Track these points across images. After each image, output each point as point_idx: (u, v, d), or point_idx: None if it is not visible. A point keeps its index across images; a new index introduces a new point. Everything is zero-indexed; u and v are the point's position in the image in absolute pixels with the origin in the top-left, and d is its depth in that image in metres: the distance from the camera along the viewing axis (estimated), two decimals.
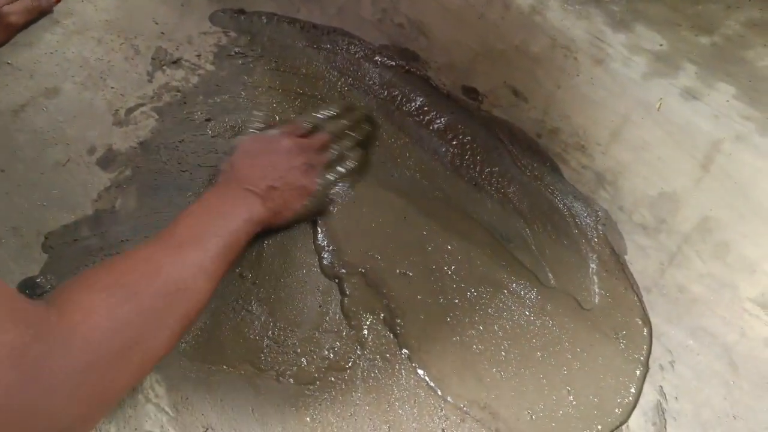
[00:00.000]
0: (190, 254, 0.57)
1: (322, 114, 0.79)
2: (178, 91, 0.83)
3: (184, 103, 0.82)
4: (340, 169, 0.76)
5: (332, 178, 0.75)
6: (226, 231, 0.62)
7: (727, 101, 0.64)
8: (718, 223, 0.65)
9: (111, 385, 0.47)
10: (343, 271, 0.71)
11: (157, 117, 0.81)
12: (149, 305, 0.51)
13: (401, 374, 0.66)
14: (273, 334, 0.67)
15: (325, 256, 0.72)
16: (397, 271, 0.71)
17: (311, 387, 0.65)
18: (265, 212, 0.67)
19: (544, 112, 0.75)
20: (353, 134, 0.79)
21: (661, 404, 0.64)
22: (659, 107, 0.65)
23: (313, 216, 0.73)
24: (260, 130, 0.77)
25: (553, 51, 0.72)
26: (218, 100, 0.83)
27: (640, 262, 0.70)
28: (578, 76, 0.70)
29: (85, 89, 0.82)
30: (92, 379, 0.44)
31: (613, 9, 0.72)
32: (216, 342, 0.67)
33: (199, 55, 0.87)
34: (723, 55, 0.69)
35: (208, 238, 0.60)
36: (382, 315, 0.68)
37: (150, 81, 0.84)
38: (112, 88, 0.83)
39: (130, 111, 0.81)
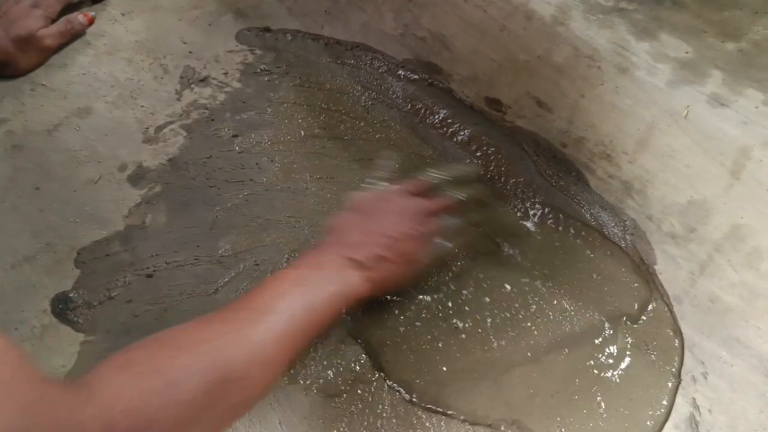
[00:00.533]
0: (251, 332, 0.49)
1: (445, 174, 0.73)
2: (206, 108, 0.85)
3: (212, 120, 0.84)
4: (446, 243, 0.68)
5: (440, 248, 0.67)
6: (308, 308, 0.54)
7: (756, 107, 0.63)
8: (750, 231, 0.63)
9: None
10: None
11: (185, 134, 0.82)
12: (188, 397, 0.44)
13: None
14: None
15: None
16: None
17: (338, 399, 0.65)
18: (366, 286, 0.59)
19: (569, 122, 0.75)
20: (476, 209, 0.72)
21: (694, 416, 0.63)
22: (686, 115, 0.65)
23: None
24: (380, 180, 0.71)
25: (577, 60, 0.72)
26: (245, 116, 0.84)
27: (670, 271, 0.69)
28: (602, 85, 0.70)
29: (116, 108, 0.84)
30: None
31: (637, 17, 0.72)
32: None
33: (226, 73, 0.89)
34: (750, 61, 0.68)
35: (283, 317, 0.52)
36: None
37: (178, 99, 0.86)
38: (142, 106, 0.85)
39: (159, 129, 0.83)
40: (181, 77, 0.88)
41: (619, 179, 0.72)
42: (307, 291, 0.55)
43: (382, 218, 0.63)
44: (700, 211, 0.66)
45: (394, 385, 0.65)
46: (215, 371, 0.46)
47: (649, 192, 0.70)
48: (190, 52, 0.91)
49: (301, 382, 0.66)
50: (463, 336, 0.68)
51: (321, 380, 0.66)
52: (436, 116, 0.86)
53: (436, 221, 0.67)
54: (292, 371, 0.66)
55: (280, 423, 0.64)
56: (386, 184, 0.70)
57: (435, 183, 0.71)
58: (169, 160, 0.80)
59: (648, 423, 0.63)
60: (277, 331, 0.51)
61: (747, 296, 0.64)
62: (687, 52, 0.68)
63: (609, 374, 0.65)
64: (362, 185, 0.71)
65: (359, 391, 0.65)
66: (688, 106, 0.65)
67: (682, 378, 0.65)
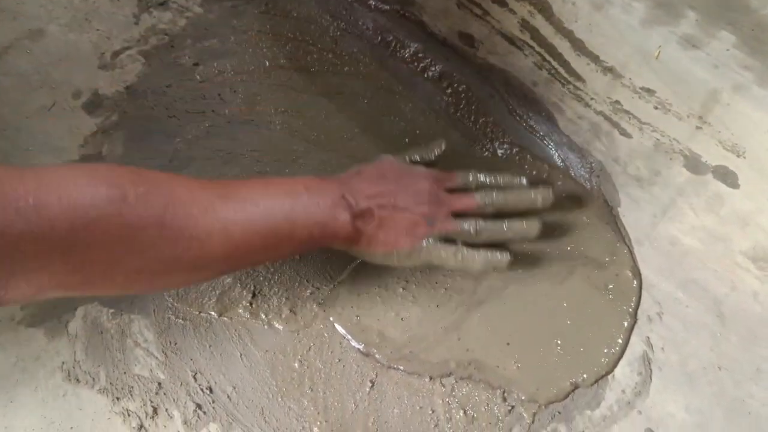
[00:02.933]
0: (224, 210, 0.50)
1: (491, 178, 0.67)
2: (166, 34, 0.81)
3: (172, 46, 0.80)
4: (457, 254, 0.62)
5: (442, 254, 0.62)
6: (284, 217, 0.54)
7: (727, 50, 0.62)
8: (712, 176, 0.64)
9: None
10: None
11: (143, 61, 0.79)
12: (137, 220, 0.44)
13: None
14: (261, 281, 0.67)
15: None
16: None
17: (299, 333, 0.65)
18: (347, 229, 0.58)
19: (541, 60, 0.73)
20: (517, 223, 0.65)
21: (647, 354, 0.65)
22: (658, 56, 0.63)
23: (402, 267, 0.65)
24: (422, 160, 0.68)
25: None
26: (207, 44, 0.80)
27: (632, 214, 0.69)
28: (576, 22, 0.68)
29: (70, 31, 0.80)
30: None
31: None
32: (206, 287, 0.67)
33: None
34: (725, 3, 0.66)
35: (259, 210, 0.52)
36: None
37: (136, 23, 0.81)
38: (98, 30, 0.80)
39: (116, 54, 0.79)
40: (139, 0, 0.83)
41: (588, 120, 0.71)
42: (293, 204, 0.55)
43: (397, 186, 0.62)
44: (665, 155, 0.66)
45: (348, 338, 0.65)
46: (171, 219, 0.46)
47: (617, 134, 0.69)
48: None
49: (263, 316, 0.66)
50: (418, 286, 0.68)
51: (282, 315, 0.66)
52: (407, 50, 0.83)
53: (453, 220, 0.63)
54: (252, 305, 0.66)
55: (241, 356, 0.65)
56: (423, 167, 0.67)
57: (472, 187, 0.67)
58: (127, 87, 0.77)
59: (602, 360, 0.64)
60: (246, 218, 0.51)
61: (706, 239, 0.65)
62: None
63: (567, 313, 0.66)
64: (398, 156, 0.68)
65: (321, 326, 0.66)
66: (660, 46, 0.63)
67: (638, 318, 0.66)
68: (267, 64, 0.80)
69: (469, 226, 0.63)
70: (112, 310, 0.67)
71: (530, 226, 0.65)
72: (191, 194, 0.49)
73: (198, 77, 0.78)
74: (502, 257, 0.63)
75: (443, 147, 0.69)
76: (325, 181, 0.59)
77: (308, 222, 0.55)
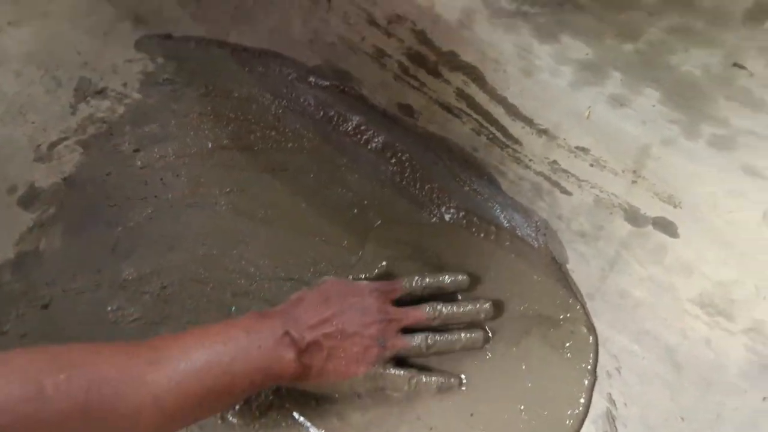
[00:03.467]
0: (155, 380, 0.47)
1: (433, 279, 0.67)
2: (104, 122, 0.80)
3: (111, 134, 0.79)
4: (411, 381, 0.62)
5: (397, 381, 0.62)
6: (223, 371, 0.50)
7: (653, 106, 0.65)
8: (653, 227, 0.65)
9: None
10: None
11: (82, 151, 0.77)
12: (57, 417, 0.42)
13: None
14: None
15: None
16: None
17: (256, 425, 0.62)
18: (293, 367, 0.55)
19: (479, 126, 0.75)
20: (464, 336, 0.65)
21: (610, 411, 0.64)
22: (588, 115, 0.66)
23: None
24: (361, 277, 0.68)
25: (483, 64, 0.72)
26: (147, 129, 0.80)
27: (581, 269, 0.70)
28: (509, 88, 0.70)
29: (3, 125, 0.78)
30: None
31: (540, 21, 0.73)
32: None
33: (125, 84, 0.84)
34: (648, 61, 0.70)
35: (194, 369, 0.49)
36: None
37: (73, 113, 0.80)
38: (33, 122, 0.79)
39: (52, 146, 0.77)
40: (76, 90, 0.82)
41: (529, 181, 0.73)
42: (232, 353, 0.52)
43: (343, 308, 0.60)
44: (606, 210, 0.68)
45: None
46: (98, 402, 0.44)
47: (558, 193, 0.71)
48: (86, 63, 0.85)
49: None
50: None
51: (236, 407, 0.63)
52: (350, 123, 0.85)
53: (399, 336, 0.62)
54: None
55: None
56: (365, 281, 0.67)
57: (418, 292, 0.67)
58: (65, 179, 0.75)
59: (567, 422, 0.63)
60: (180, 383, 0.48)
61: (654, 290, 0.66)
62: (587, 54, 0.70)
63: (527, 376, 0.65)
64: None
65: (276, 416, 0.63)
66: (589, 106, 0.66)
67: (597, 374, 0.66)
68: (210, 145, 0.80)
69: (420, 341, 0.63)
70: None
71: (477, 338, 0.66)
72: (118, 369, 0.46)
73: (139, 163, 0.77)
74: (455, 381, 0.64)
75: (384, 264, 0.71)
76: (266, 318, 0.57)
77: (249, 369, 0.52)
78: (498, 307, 0.69)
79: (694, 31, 0.72)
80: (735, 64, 0.70)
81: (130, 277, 0.68)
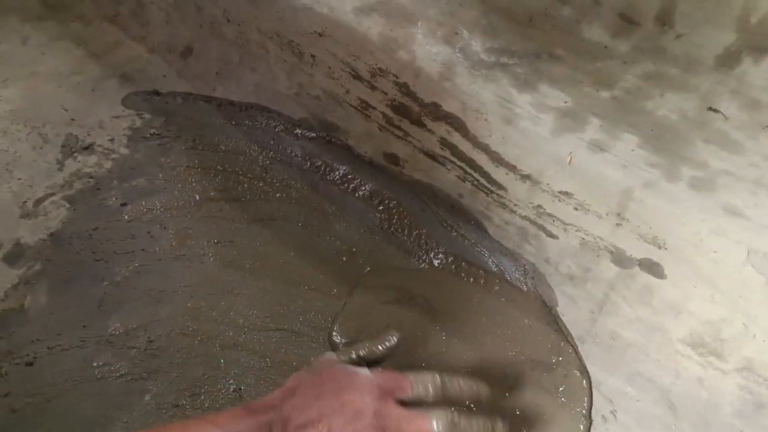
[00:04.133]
0: None
1: (454, 383, 0.57)
2: (91, 177, 0.80)
3: (98, 189, 0.79)
4: None
5: None
6: None
7: (633, 150, 0.67)
8: (639, 268, 0.66)
9: None
10: None
11: (68, 206, 0.77)
12: None
13: None
14: None
15: None
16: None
17: None
18: None
19: (464, 173, 0.76)
20: None
21: None
22: (570, 161, 0.67)
23: None
24: (366, 356, 0.61)
25: (465, 114, 0.73)
26: (134, 183, 0.80)
27: (571, 312, 0.70)
28: (491, 136, 0.72)
29: None
30: None
31: (518, 71, 0.75)
32: None
33: (112, 140, 0.85)
34: (625, 108, 0.72)
35: None
36: None
37: (60, 169, 0.81)
38: (19, 179, 0.79)
39: (39, 202, 0.77)
40: (63, 146, 0.83)
41: (515, 225, 0.74)
42: None
43: (333, 408, 0.52)
44: (592, 252, 0.69)
45: None
46: None
47: (544, 236, 0.71)
48: (73, 120, 0.86)
49: None
50: None
51: None
52: (336, 173, 0.86)
53: None
54: None
55: None
56: (368, 371, 0.58)
57: (428, 400, 0.57)
58: (51, 234, 0.74)
59: None
60: None
61: (644, 331, 0.66)
62: (566, 102, 0.72)
63: (523, 423, 0.65)
64: (343, 351, 0.61)
65: None
66: (570, 152, 0.67)
67: (593, 418, 0.65)
68: (197, 197, 0.80)
69: None
70: None
71: None
72: None
73: (126, 217, 0.77)
74: None
75: (395, 340, 0.63)
76: (251, 415, 0.52)
77: None
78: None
79: (668, 77, 0.75)
80: (710, 108, 0.73)
81: (117, 332, 0.67)
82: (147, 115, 0.88)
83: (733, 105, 0.72)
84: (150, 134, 0.86)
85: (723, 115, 0.72)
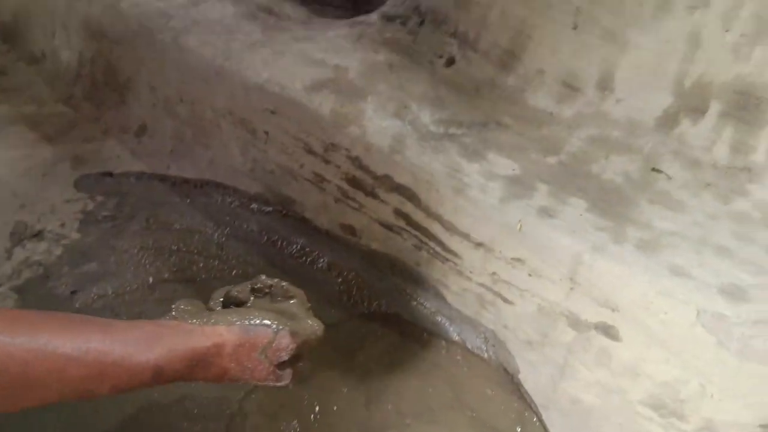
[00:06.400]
0: (59, 344, 0.48)
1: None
2: (40, 264, 0.78)
3: (47, 277, 0.77)
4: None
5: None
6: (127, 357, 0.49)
7: (581, 215, 0.68)
8: (595, 332, 0.66)
9: None
10: None
11: (16, 296, 0.75)
12: None
13: None
14: None
15: None
16: None
17: None
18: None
19: (419, 242, 0.77)
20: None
21: None
22: (520, 228, 0.68)
23: None
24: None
25: (417, 185, 0.74)
26: (85, 269, 0.79)
27: (532, 378, 0.70)
28: (443, 206, 0.73)
29: None
30: None
31: (466, 141, 0.77)
32: None
33: (63, 224, 0.84)
34: (571, 172, 0.74)
35: (99, 344, 0.49)
36: None
37: (8, 258, 0.79)
38: None
39: None
40: (12, 234, 0.81)
41: (472, 293, 0.74)
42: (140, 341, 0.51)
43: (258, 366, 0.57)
44: (548, 317, 0.69)
45: None
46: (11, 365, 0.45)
47: (501, 303, 0.72)
48: (23, 205, 0.85)
49: None
50: None
51: None
52: (294, 246, 0.86)
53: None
54: None
55: None
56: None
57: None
58: None
59: None
60: (85, 355, 0.48)
61: (604, 394, 0.66)
62: (514, 169, 0.73)
63: None
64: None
65: None
66: (520, 219, 0.68)
67: None
68: (150, 280, 0.79)
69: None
70: None
71: None
72: None
73: (77, 305, 0.75)
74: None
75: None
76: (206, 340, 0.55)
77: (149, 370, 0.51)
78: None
79: (612, 140, 0.78)
80: (653, 169, 0.75)
81: None
82: (100, 197, 0.88)
83: (675, 165, 0.74)
84: (102, 217, 0.85)
85: (666, 175, 0.74)
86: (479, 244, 0.72)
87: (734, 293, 0.60)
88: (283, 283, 0.63)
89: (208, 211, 0.88)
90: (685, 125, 0.75)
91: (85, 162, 0.92)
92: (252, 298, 0.61)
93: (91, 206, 0.86)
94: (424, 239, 0.76)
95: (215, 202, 0.89)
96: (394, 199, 0.77)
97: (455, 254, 0.74)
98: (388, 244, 0.80)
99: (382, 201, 0.78)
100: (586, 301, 0.66)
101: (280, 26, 0.93)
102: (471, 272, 0.74)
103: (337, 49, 0.89)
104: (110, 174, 0.91)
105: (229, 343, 0.55)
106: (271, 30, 0.91)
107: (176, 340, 0.53)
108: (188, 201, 0.89)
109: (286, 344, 0.57)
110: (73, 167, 0.90)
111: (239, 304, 0.60)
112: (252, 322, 0.56)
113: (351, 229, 0.83)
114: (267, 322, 0.56)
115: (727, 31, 0.69)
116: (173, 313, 0.56)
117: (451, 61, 0.87)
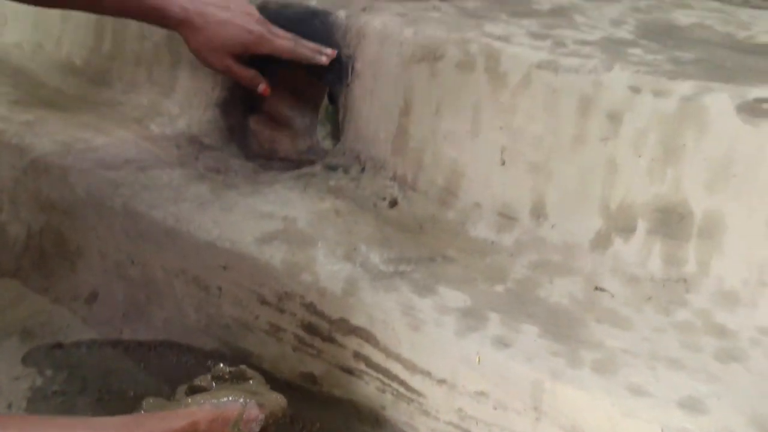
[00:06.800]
0: None
1: None
2: None
3: None
4: None
5: None
6: None
7: (535, 341, 0.69)
8: None
9: None
10: None
11: None
12: None
13: None
14: None
15: None
16: None
17: None
18: None
19: (382, 384, 0.76)
20: None
21: None
22: (479, 360, 0.69)
23: None
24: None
25: (373, 325, 0.75)
26: None
27: None
28: (400, 344, 0.73)
29: None
30: None
31: (416, 277, 0.79)
32: None
33: (10, 405, 0.80)
34: (520, 299, 0.77)
35: None
36: None
37: None
38: None
39: None
40: None
41: None
42: None
43: None
44: None
45: None
46: None
47: None
48: None
49: None
50: None
51: None
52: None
53: None
54: None
55: None
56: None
57: None
58: None
59: None
60: None
61: None
62: (465, 301, 0.75)
63: None
64: None
65: None
66: (478, 351, 0.69)
67: None
68: None
69: None
70: None
71: None
72: None
73: None
74: None
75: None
76: None
77: None
78: None
79: (553, 264, 0.82)
80: (596, 288, 0.78)
81: None
82: (49, 372, 0.85)
83: (615, 282, 0.78)
84: (52, 392, 0.82)
85: (609, 292, 0.77)
86: (441, 381, 0.72)
87: (693, 406, 0.61)
88: (242, 366, 0.72)
89: (163, 372, 0.86)
90: (618, 244, 0.79)
91: (34, 335, 0.90)
92: (214, 385, 0.70)
93: (39, 382, 0.83)
94: (387, 381, 0.76)
95: (170, 363, 0.87)
96: (353, 342, 0.77)
97: (419, 393, 0.74)
98: (350, 389, 0.79)
99: (340, 345, 0.78)
100: (554, 430, 0.66)
101: (227, 183, 0.97)
102: (437, 411, 0.73)
103: (284, 200, 0.93)
104: (60, 345, 0.88)
105: (202, 420, 0.61)
106: (220, 188, 0.95)
107: (154, 423, 0.60)
108: (142, 366, 0.87)
109: (255, 415, 0.65)
110: (22, 341, 0.88)
111: (203, 392, 0.67)
112: (220, 400, 0.64)
113: (312, 378, 0.82)
114: (233, 398, 0.65)
115: (639, 156, 0.76)
116: (143, 410, 0.65)
117: (393, 203, 0.92)
